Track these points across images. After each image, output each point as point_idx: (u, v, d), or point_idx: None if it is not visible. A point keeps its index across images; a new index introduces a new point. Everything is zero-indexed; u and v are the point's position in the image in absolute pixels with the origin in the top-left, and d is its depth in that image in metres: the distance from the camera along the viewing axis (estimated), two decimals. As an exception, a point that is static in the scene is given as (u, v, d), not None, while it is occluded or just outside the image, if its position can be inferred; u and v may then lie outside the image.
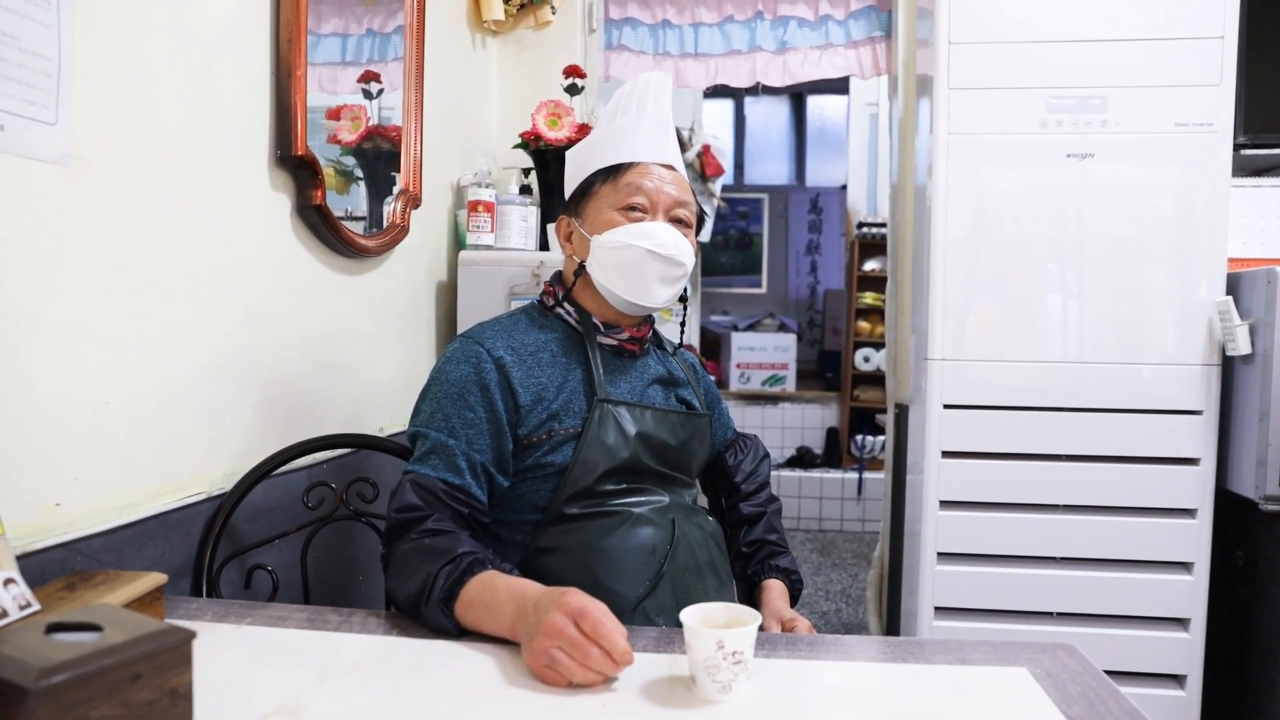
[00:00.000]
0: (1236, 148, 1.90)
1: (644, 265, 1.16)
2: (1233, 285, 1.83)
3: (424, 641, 0.95)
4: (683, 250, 1.19)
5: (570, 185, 1.29)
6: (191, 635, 0.72)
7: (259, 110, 1.35)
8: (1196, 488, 1.85)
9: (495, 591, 0.94)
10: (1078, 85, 1.86)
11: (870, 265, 4.99)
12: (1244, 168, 2.17)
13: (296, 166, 1.41)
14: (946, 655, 0.93)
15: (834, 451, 5.03)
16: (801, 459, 4.98)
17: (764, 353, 5.26)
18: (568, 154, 1.31)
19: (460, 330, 2.03)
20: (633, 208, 1.19)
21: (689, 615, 0.84)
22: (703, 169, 4.96)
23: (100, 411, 1.03)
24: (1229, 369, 1.86)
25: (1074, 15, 1.86)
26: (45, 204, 0.95)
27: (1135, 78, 1.84)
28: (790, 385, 5.26)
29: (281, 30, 1.38)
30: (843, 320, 5.42)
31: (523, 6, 2.40)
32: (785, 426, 5.16)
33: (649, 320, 1.29)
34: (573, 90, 2.25)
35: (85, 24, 0.99)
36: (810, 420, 5.17)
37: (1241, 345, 1.75)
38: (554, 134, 2.10)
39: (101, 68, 1.02)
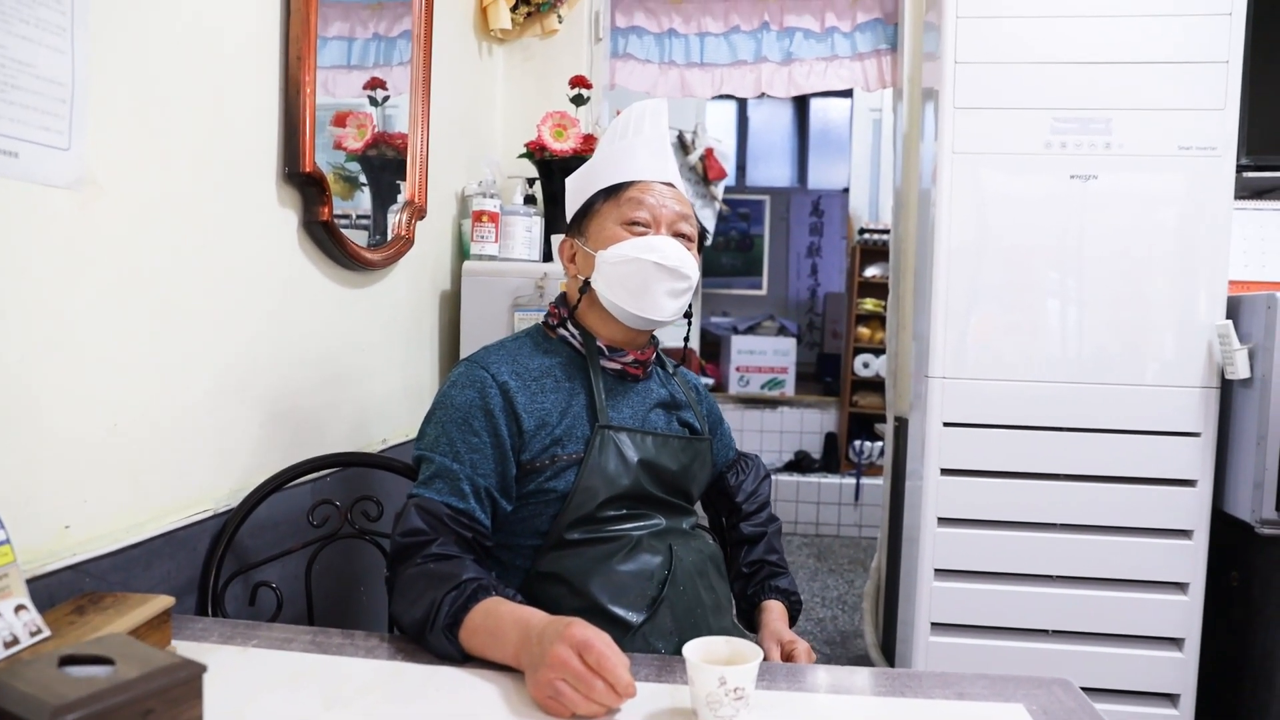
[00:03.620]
0: (1239, 169, 1.91)
1: (650, 277, 1.17)
2: (1233, 309, 1.84)
3: (429, 668, 0.96)
4: (687, 262, 1.20)
5: (571, 208, 1.30)
6: (202, 669, 0.73)
7: (267, 126, 1.36)
8: (1193, 509, 1.87)
9: (499, 619, 0.95)
10: (1082, 107, 1.87)
11: (871, 271, 5.00)
12: (1246, 188, 2.18)
13: (304, 183, 1.42)
14: (944, 689, 0.95)
15: (832, 456, 5.04)
16: (799, 463, 4.99)
17: (763, 356, 5.27)
18: (568, 180, 1.32)
19: (463, 343, 2.05)
20: (635, 222, 1.20)
21: (691, 650, 0.85)
22: (705, 172, 4.98)
23: (110, 433, 1.04)
24: (1228, 392, 1.87)
25: (1079, 37, 1.87)
26: (58, 230, 0.96)
27: (1139, 100, 1.85)
28: (789, 389, 5.28)
29: (291, 47, 1.39)
30: (842, 323, 5.43)
31: (529, 15, 2.40)
32: (784, 431, 5.17)
33: (653, 343, 1.30)
34: (578, 101, 2.25)
35: (98, 48, 0.99)
36: (809, 425, 5.18)
37: (1240, 369, 1.77)
38: (559, 145, 2.11)
39: (113, 91, 1.03)
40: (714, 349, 5.64)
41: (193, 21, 1.17)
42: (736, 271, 6.30)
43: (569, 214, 1.30)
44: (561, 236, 1.31)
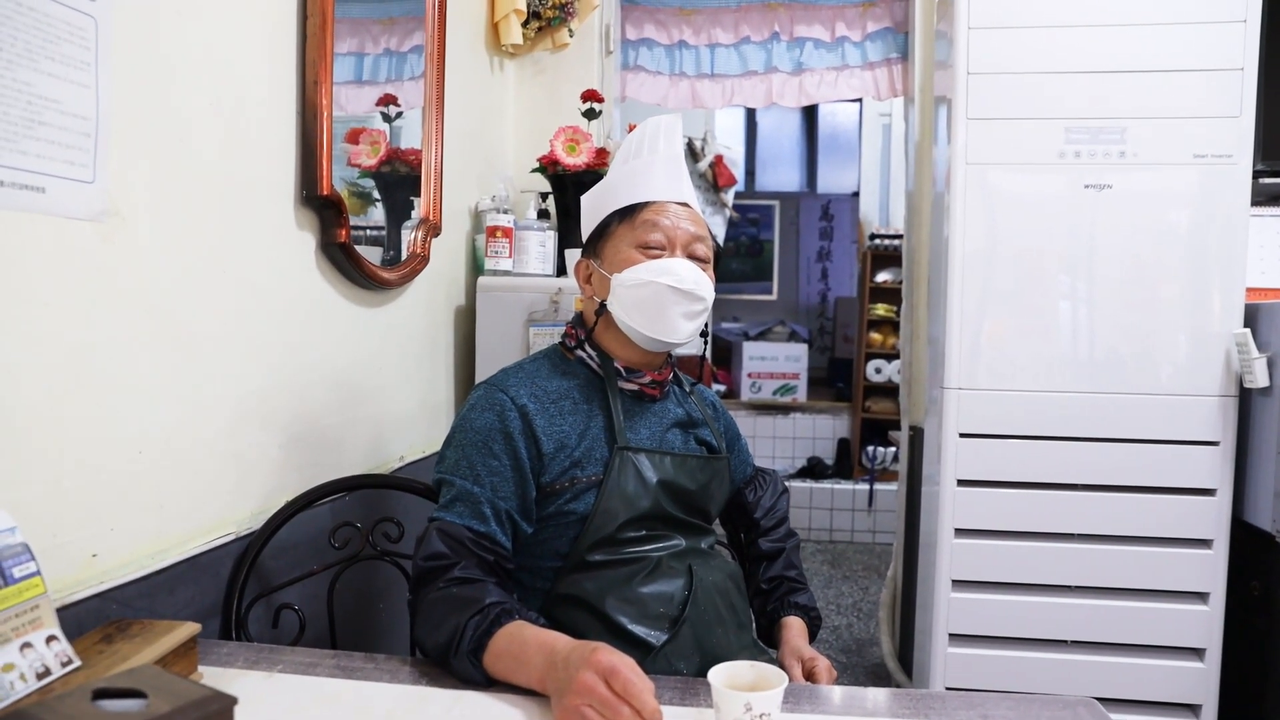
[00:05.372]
0: (1255, 175, 1.90)
1: (665, 301, 1.18)
2: (1250, 317, 1.83)
3: (454, 692, 0.97)
4: (702, 284, 1.20)
5: (587, 228, 1.30)
6: (233, 701, 0.73)
7: (285, 151, 1.37)
8: (1213, 518, 1.86)
9: (524, 644, 0.95)
10: (1096, 116, 1.86)
11: (882, 276, 4.99)
12: (1261, 195, 2.17)
13: (322, 205, 1.43)
14: (967, 710, 0.94)
15: (845, 462, 5.03)
16: (813, 469, 4.98)
17: (775, 362, 5.27)
18: (583, 199, 1.32)
19: (478, 358, 2.06)
20: (650, 245, 1.20)
21: (716, 676, 0.85)
22: (715, 179, 4.99)
23: (135, 462, 1.05)
24: (1246, 401, 1.86)
25: (1092, 47, 1.86)
26: (82, 262, 0.97)
27: (1154, 109, 1.85)
28: (801, 395, 5.27)
29: (308, 71, 1.40)
30: (853, 328, 5.42)
31: (540, 29, 2.41)
32: (796, 437, 5.17)
33: (669, 363, 1.30)
34: (590, 114, 2.26)
35: (121, 82, 1.01)
36: (821, 430, 5.17)
37: (1259, 378, 1.76)
38: (572, 160, 2.12)
39: (136, 124, 1.04)
40: (725, 355, 5.64)
41: (210, 49, 1.18)
42: (746, 276, 6.31)
43: (584, 234, 1.31)
44: (575, 252, 1.32)
